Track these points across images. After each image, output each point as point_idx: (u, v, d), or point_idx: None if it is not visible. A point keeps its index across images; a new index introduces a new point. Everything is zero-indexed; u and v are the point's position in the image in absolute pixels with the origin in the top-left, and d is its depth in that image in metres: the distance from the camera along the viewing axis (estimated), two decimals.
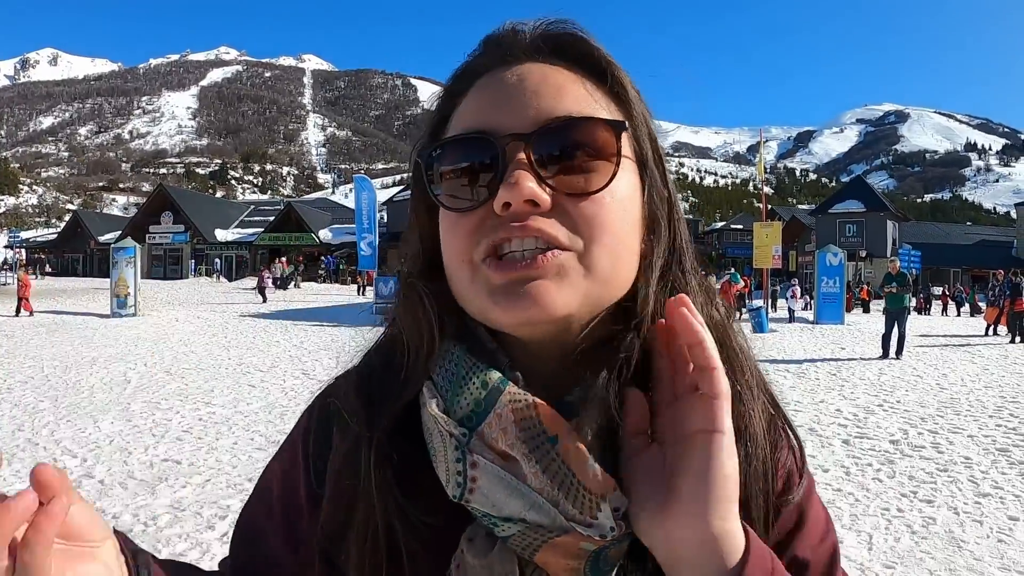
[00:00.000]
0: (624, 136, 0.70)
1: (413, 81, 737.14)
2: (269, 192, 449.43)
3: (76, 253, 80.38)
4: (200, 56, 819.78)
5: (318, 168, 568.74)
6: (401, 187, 79.52)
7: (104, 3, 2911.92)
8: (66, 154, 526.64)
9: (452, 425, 0.67)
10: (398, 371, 0.76)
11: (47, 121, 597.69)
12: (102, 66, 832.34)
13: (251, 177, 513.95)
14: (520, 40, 0.74)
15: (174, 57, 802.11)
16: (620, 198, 0.69)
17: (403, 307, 0.78)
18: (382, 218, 51.11)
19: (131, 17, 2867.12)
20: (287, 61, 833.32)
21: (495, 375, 0.67)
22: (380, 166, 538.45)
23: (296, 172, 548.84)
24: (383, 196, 77.77)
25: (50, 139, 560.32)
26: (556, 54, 0.73)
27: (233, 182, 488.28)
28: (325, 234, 69.18)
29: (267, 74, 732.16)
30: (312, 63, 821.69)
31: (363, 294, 38.34)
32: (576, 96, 0.69)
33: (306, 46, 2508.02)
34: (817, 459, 7.16)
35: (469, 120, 0.71)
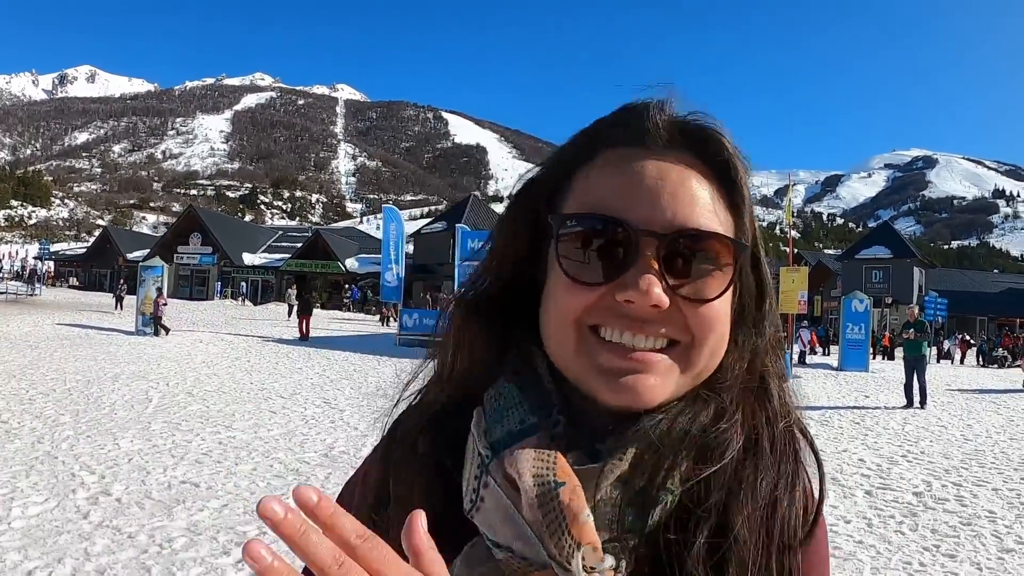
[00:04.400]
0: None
1: (444, 115, 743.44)
2: (298, 218, 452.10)
3: (104, 268, 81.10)
4: (235, 81, 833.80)
5: (347, 197, 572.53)
6: (429, 219, 79.73)
7: (143, 25, 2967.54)
8: (99, 170, 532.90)
9: (482, 444, 0.71)
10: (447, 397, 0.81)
11: (82, 137, 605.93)
12: (139, 86, 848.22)
13: (280, 203, 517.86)
14: (660, 125, 0.75)
15: (210, 81, 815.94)
16: (725, 299, 0.73)
17: (461, 338, 0.81)
18: (409, 250, 51.57)
19: (169, 40, 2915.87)
20: (321, 90, 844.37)
21: (532, 419, 0.71)
22: (408, 197, 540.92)
23: (325, 200, 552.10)
24: (411, 228, 78.23)
25: (84, 155, 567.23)
26: (692, 149, 0.75)
27: (262, 207, 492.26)
28: (351, 263, 69.60)
29: (300, 102, 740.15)
30: (345, 93, 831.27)
31: (387, 325, 38.15)
32: (706, 207, 0.73)
33: (340, 76, 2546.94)
34: (839, 510, 7.06)
35: (605, 198, 0.73)
